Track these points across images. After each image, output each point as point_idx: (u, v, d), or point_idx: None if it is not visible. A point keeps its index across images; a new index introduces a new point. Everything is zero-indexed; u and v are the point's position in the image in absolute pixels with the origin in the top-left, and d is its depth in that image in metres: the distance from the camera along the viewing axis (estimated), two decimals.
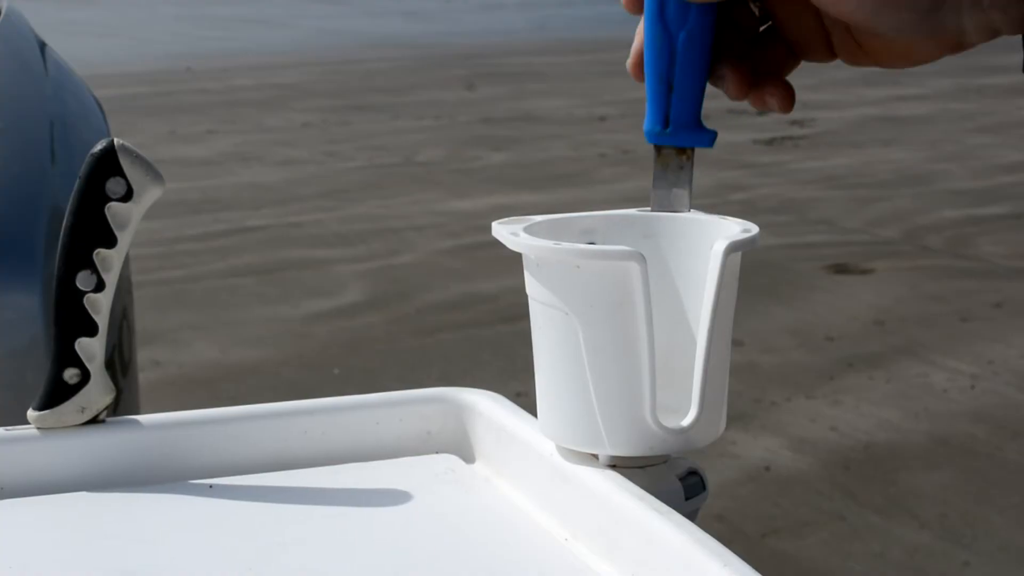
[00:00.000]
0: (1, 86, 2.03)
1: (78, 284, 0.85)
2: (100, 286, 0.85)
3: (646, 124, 0.85)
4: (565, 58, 11.34)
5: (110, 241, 0.85)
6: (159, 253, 5.07)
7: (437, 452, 0.93)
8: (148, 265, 4.79)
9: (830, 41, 0.81)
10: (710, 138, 0.85)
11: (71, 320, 0.85)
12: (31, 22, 2.48)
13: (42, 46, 2.33)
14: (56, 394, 0.86)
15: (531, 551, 0.79)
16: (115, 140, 0.84)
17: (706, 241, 0.81)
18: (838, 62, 0.84)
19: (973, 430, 3.33)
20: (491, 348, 3.77)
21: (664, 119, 0.84)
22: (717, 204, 5.22)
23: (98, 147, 0.84)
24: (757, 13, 0.83)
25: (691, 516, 0.79)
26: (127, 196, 0.84)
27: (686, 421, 0.79)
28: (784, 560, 2.71)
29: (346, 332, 4.17)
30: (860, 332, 4.12)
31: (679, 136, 0.84)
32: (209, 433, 0.90)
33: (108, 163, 0.84)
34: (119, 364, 1.77)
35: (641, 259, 0.76)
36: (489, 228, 0.83)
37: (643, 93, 0.84)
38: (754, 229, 0.81)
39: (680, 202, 0.85)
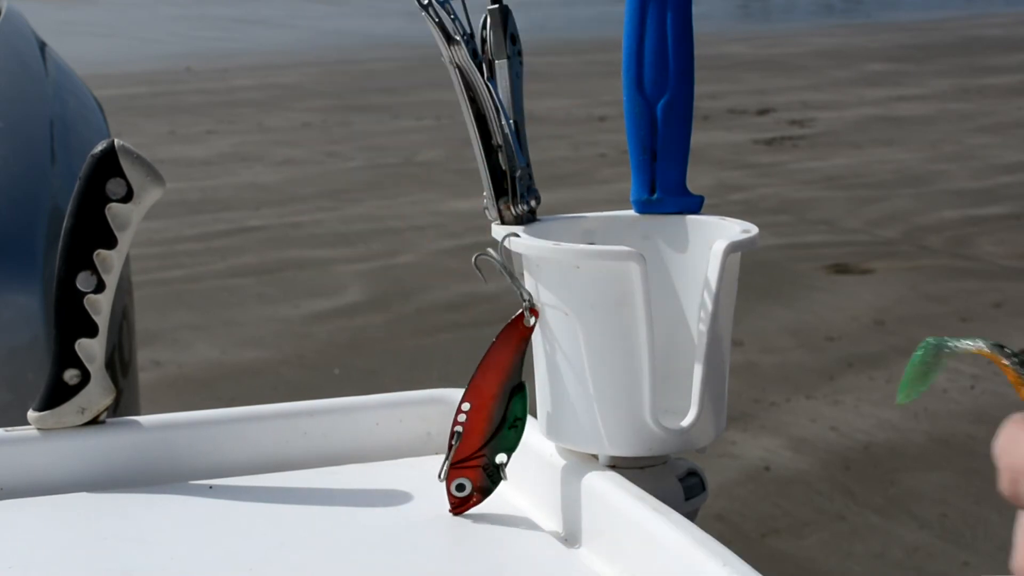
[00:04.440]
0: (1, 86, 2.03)
1: (78, 285, 0.85)
2: (100, 287, 0.85)
3: (632, 194, 0.85)
4: (565, 58, 11.33)
5: (110, 242, 0.85)
6: (159, 253, 5.06)
7: (437, 453, 0.93)
8: (148, 265, 4.79)
9: None
10: (698, 203, 0.85)
11: (71, 321, 0.85)
12: (31, 22, 2.48)
13: (42, 46, 2.33)
14: (56, 395, 0.86)
15: (531, 551, 0.79)
16: (115, 141, 0.84)
17: (706, 242, 0.81)
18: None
19: (973, 430, 3.33)
20: None
21: (650, 187, 0.85)
22: (717, 204, 5.21)
23: (98, 148, 0.84)
24: None
25: (691, 516, 0.79)
26: (127, 197, 0.84)
27: (686, 421, 0.79)
28: (784, 560, 2.71)
29: (346, 332, 4.16)
30: (860, 332, 4.12)
31: (667, 203, 0.85)
32: (209, 433, 0.90)
33: (108, 164, 0.84)
34: (119, 364, 1.77)
35: (641, 259, 0.76)
36: (489, 228, 0.83)
37: None
38: (754, 229, 0.81)
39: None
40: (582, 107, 8.69)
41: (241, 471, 0.89)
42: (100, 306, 0.85)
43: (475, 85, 0.82)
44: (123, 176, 0.84)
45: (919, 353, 0.66)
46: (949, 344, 0.66)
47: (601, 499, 0.77)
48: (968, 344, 0.66)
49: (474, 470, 0.81)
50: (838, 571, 2.69)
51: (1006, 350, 0.65)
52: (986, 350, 0.66)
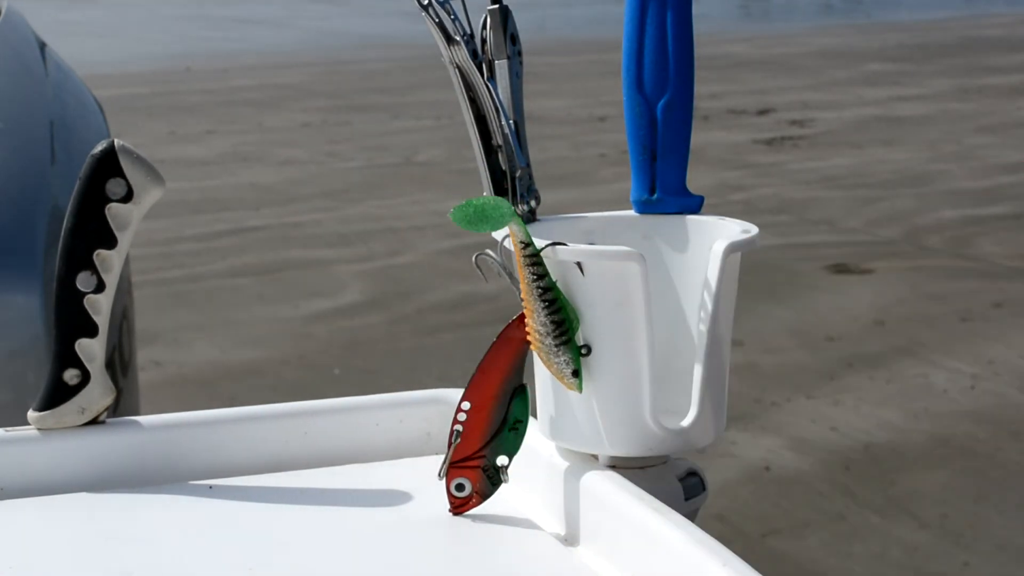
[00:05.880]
0: (1, 86, 2.03)
1: (78, 285, 0.85)
2: (100, 287, 0.85)
3: (632, 194, 0.86)
4: (565, 58, 11.33)
5: (110, 242, 0.85)
6: (159, 253, 5.06)
7: (437, 453, 0.93)
8: (148, 265, 4.79)
9: None
10: (698, 203, 0.85)
11: (71, 321, 0.85)
12: (31, 22, 2.48)
13: (42, 46, 2.33)
14: (56, 395, 0.86)
15: (531, 551, 0.79)
16: (115, 141, 0.84)
17: (706, 242, 0.81)
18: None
19: (973, 430, 3.33)
20: None
21: (650, 187, 0.85)
22: (717, 204, 5.21)
23: (98, 148, 0.84)
24: None
25: (691, 516, 0.79)
26: (127, 197, 0.84)
27: (686, 422, 0.79)
28: (784, 560, 2.71)
29: (346, 332, 4.16)
30: (860, 332, 4.12)
31: (667, 203, 0.85)
32: (209, 434, 0.90)
33: (108, 164, 0.84)
34: (119, 364, 1.77)
35: (641, 259, 0.76)
36: None
37: None
38: (754, 230, 0.81)
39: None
40: (582, 107, 8.69)
41: (241, 471, 0.89)
42: (100, 306, 0.86)
43: (475, 85, 0.82)
44: (123, 176, 0.84)
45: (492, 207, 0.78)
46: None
47: (601, 499, 0.77)
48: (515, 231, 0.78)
49: (474, 471, 0.81)
50: (838, 571, 2.69)
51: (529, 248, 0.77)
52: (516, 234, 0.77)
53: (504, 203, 0.77)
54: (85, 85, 2.39)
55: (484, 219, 0.77)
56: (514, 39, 0.84)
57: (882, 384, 3.65)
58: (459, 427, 0.81)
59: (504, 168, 0.83)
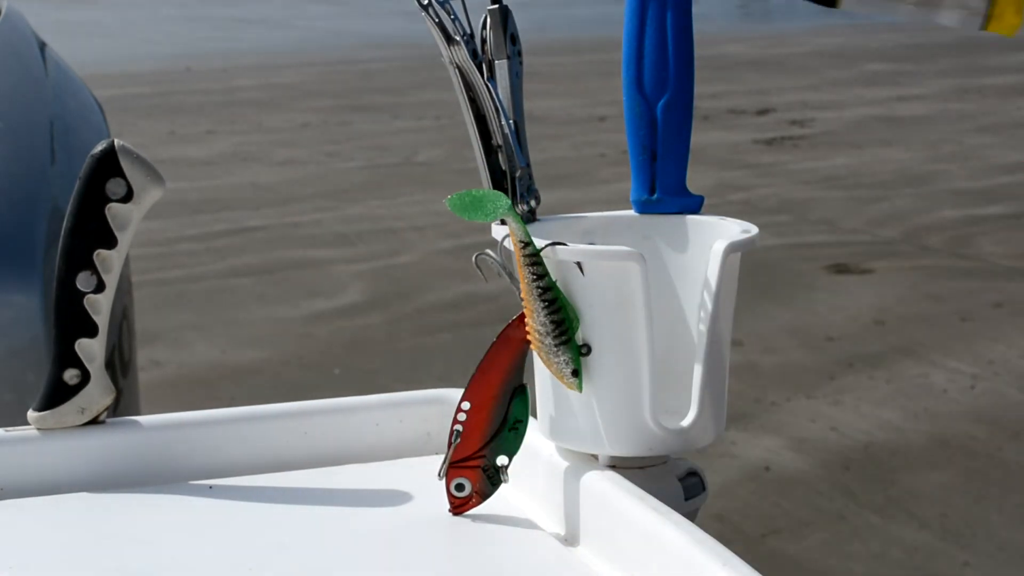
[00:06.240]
0: (1, 86, 2.03)
1: (78, 285, 0.85)
2: (100, 287, 0.85)
3: (632, 194, 0.86)
4: (565, 58, 11.33)
5: (110, 242, 0.85)
6: (159, 253, 5.06)
7: (437, 453, 0.93)
8: (148, 265, 4.79)
9: None
10: (698, 203, 0.86)
11: (71, 321, 0.85)
12: (31, 22, 2.48)
13: (42, 46, 2.33)
14: (56, 395, 0.86)
15: (531, 551, 0.79)
16: (115, 141, 0.84)
17: (706, 242, 0.81)
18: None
19: (973, 430, 3.33)
20: None
21: (650, 187, 0.85)
22: (717, 204, 5.21)
23: (98, 148, 0.84)
24: None
25: (691, 516, 0.79)
26: (127, 197, 0.84)
27: (685, 422, 0.79)
28: (784, 560, 2.71)
29: (346, 332, 4.16)
30: (860, 332, 4.12)
31: (667, 203, 0.85)
32: (209, 434, 0.90)
33: (108, 164, 0.84)
34: (119, 364, 1.77)
35: (641, 259, 0.76)
36: (489, 228, 0.83)
37: None
38: (754, 230, 0.81)
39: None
40: (582, 107, 8.69)
41: (241, 471, 0.89)
42: (100, 306, 0.86)
43: (475, 85, 0.82)
44: (123, 176, 0.84)
45: None
46: None
47: (601, 499, 0.77)
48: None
49: (474, 471, 0.81)
50: (838, 571, 2.69)
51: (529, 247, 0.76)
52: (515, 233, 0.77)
53: (503, 197, 0.77)
54: (85, 85, 2.39)
55: (479, 207, 0.78)
56: (514, 39, 0.84)
57: (882, 384, 3.65)
58: (459, 427, 0.81)
59: (504, 168, 0.83)
